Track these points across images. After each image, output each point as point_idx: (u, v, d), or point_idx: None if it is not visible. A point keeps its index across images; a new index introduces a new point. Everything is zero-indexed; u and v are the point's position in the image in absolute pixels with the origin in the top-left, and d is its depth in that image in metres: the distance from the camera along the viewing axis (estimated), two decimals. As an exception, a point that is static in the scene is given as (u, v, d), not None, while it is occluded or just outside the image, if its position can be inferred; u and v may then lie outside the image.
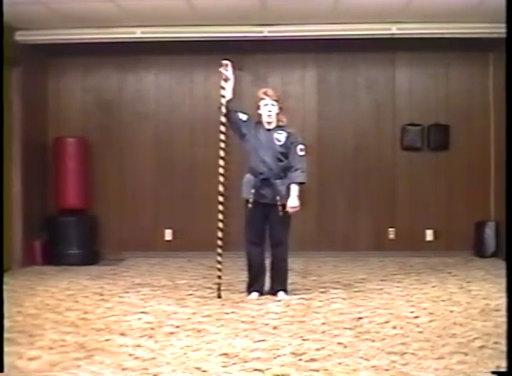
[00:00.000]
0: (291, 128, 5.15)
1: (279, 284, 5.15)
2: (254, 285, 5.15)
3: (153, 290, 5.49)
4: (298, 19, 6.59)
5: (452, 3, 6.04)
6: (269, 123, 5.09)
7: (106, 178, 7.56)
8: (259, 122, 5.12)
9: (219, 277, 5.12)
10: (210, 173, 7.33)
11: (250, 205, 5.01)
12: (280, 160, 5.05)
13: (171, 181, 7.60)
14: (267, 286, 5.22)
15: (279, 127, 5.09)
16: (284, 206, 4.99)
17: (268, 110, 5.03)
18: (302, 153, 5.05)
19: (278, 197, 4.99)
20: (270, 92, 5.09)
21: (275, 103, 5.05)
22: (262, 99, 5.05)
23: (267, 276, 5.23)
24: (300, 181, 5.02)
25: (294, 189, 4.98)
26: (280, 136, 5.06)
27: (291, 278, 5.39)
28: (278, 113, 5.09)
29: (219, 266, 5.12)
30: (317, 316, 4.41)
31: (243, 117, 5.10)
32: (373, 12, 6.32)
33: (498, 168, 7.05)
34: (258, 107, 5.08)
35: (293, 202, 4.98)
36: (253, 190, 5.01)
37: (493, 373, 3.05)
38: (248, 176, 5.11)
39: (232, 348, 3.59)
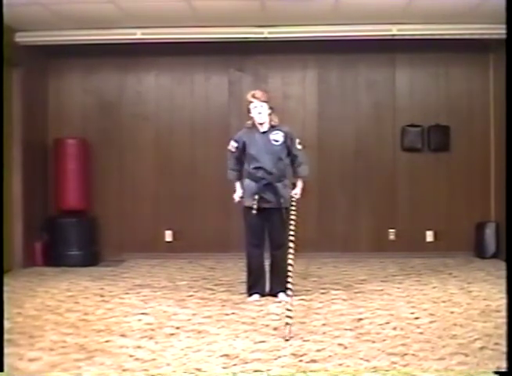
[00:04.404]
0: (285, 126, 5.20)
1: (280, 285, 5.13)
2: (255, 287, 5.15)
3: (154, 291, 5.49)
4: (298, 21, 6.59)
5: (452, 4, 6.04)
6: (261, 124, 5.11)
7: (106, 180, 7.55)
8: (253, 126, 5.14)
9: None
10: (211, 174, 7.43)
11: (254, 211, 5.00)
12: (281, 159, 5.08)
13: (172, 182, 7.59)
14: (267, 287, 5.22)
15: (272, 127, 5.13)
16: (287, 209, 5.02)
17: (258, 112, 5.06)
18: (300, 147, 5.19)
19: (282, 200, 5.02)
20: (258, 94, 5.11)
21: (264, 104, 5.07)
22: (251, 102, 5.08)
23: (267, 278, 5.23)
24: (305, 174, 5.22)
25: (300, 183, 5.20)
26: (277, 136, 5.10)
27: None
28: (270, 114, 5.11)
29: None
30: (317, 317, 4.41)
31: (233, 147, 5.16)
32: (373, 13, 6.32)
33: (498, 169, 7.05)
34: (249, 110, 5.11)
35: (298, 192, 5.15)
36: (256, 196, 5.01)
37: (494, 373, 3.06)
38: (248, 182, 5.11)
39: (233, 350, 3.60)
